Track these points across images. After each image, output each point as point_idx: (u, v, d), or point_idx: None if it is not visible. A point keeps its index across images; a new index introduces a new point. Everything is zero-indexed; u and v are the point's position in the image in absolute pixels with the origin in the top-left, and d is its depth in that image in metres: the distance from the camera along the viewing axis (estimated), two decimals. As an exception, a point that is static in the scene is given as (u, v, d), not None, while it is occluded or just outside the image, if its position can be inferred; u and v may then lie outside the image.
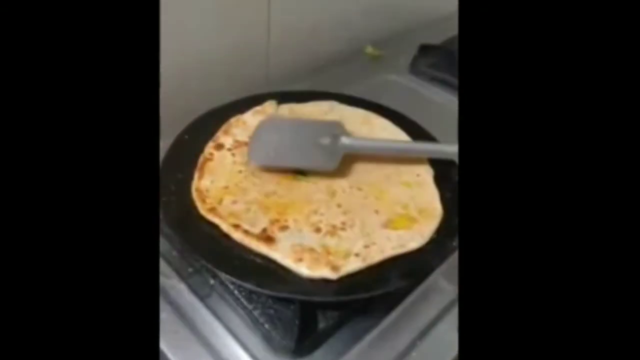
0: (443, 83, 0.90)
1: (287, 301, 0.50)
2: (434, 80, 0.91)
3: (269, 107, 0.69)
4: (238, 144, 0.63)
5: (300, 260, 0.50)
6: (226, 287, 0.52)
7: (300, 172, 0.61)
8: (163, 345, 0.48)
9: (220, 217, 0.53)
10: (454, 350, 0.49)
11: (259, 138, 0.62)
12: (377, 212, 0.57)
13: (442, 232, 0.55)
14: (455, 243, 0.55)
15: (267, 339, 0.49)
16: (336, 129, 0.63)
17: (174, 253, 0.56)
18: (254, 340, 0.49)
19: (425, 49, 0.95)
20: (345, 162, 0.63)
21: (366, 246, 0.52)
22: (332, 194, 0.58)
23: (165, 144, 0.60)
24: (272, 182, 0.59)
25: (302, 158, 0.60)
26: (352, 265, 0.50)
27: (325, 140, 0.61)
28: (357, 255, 0.51)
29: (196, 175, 0.58)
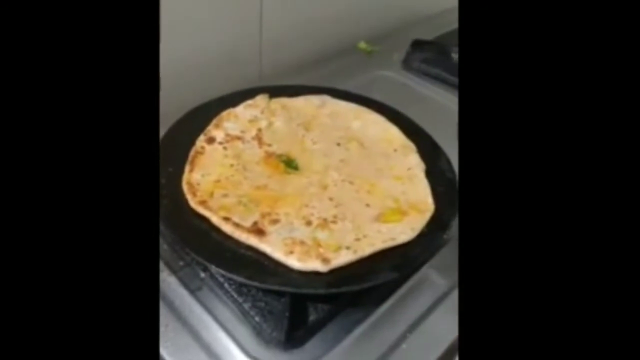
0: (435, 78, 0.90)
1: (278, 294, 0.50)
2: (426, 75, 0.91)
3: (261, 101, 0.69)
4: (230, 137, 0.63)
5: (291, 253, 0.50)
6: (217, 280, 0.52)
7: (291, 166, 0.61)
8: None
9: (211, 210, 0.53)
10: (445, 342, 0.49)
11: None
12: (368, 205, 0.57)
13: (433, 225, 0.55)
14: (446, 236, 0.55)
15: (258, 332, 0.49)
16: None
17: (165, 246, 0.56)
18: (245, 333, 0.49)
19: (418, 45, 0.96)
20: (337, 154, 0.63)
21: (357, 239, 0.52)
22: (324, 187, 0.58)
23: (156, 137, 0.60)
24: (264, 176, 0.59)
25: None
26: (343, 258, 0.50)
27: None
28: (348, 248, 0.51)
29: (187, 169, 0.58)
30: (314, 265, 0.49)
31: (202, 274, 0.53)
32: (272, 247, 0.50)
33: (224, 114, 0.66)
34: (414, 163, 0.63)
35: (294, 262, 0.49)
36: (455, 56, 0.93)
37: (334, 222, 0.54)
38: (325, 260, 0.49)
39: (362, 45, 0.96)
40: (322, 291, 0.48)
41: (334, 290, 0.48)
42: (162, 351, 0.47)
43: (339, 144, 0.65)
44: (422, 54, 0.94)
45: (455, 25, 0.85)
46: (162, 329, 0.49)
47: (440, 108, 0.85)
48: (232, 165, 0.60)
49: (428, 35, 1.00)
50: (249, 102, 0.68)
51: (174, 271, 0.54)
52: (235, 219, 0.53)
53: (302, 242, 0.51)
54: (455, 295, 0.53)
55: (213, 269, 0.51)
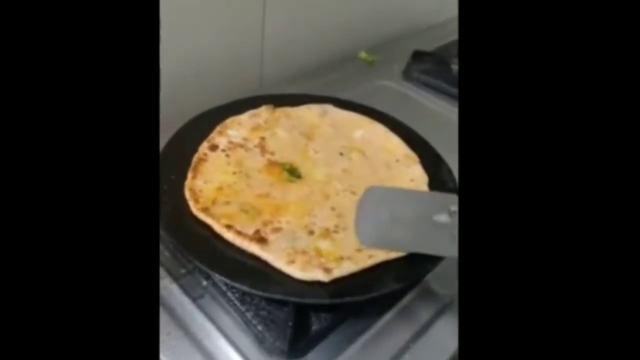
0: (435, 89, 0.91)
1: (281, 303, 0.49)
2: (426, 86, 0.92)
3: (265, 111, 0.69)
4: (233, 145, 0.63)
5: (292, 262, 0.49)
6: (219, 288, 0.52)
7: (294, 174, 0.61)
8: (154, 346, 0.47)
9: (213, 217, 0.53)
10: (447, 353, 0.49)
11: (366, 212, 0.55)
12: (370, 215, 0.57)
13: (435, 236, 0.55)
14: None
15: (260, 341, 0.49)
16: (453, 204, 0.53)
17: (166, 254, 0.56)
18: (247, 342, 0.49)
19: (418, 56, 0.96)
20: (339, 163, 0.63)
21: (358, 250, 0.52)
22: (326, 196, 0.58)
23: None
24: (266, 184, 0.59)
25: (417, 241, 0.52)
26: (345, 268, 0.50)
27: (442, 218, 0.53)
28: (349, 258, 0.51)
29: (190, 175, 0.58)
30: (316, 275, 0.49)
31: (204, 282, 0.53)
32: (274, 256, 0.50)
33: (228, 121, 0.66)
34: (417, 174, 0.63)
35: (296, 272, 0.49)
36: (454, 67, 0.94)
37: (335, 231, 0.54)
38: (327, 271, 0.49)
39: (363, 55, 0.97)
40: (326, 301, 0.48)
41: (337, 301, 0.48)
42: (164, 359, 0.47)
43: (341, 154, 0.65)
44: (422, 65, 0.95)
45: (455, 36, 0.86)
46: (163, 337, 0.48)
47: (440, 118, 0.86)
48: (234, 173, 0.59)
49: (428, 46, 1.01)
50: (253, 111, 0.68)
51: (175, 279, 0.54)
52: (237, 226, 0.52)
53: (303, 252, 0.51)
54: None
55: (216, 277, 0.51)
